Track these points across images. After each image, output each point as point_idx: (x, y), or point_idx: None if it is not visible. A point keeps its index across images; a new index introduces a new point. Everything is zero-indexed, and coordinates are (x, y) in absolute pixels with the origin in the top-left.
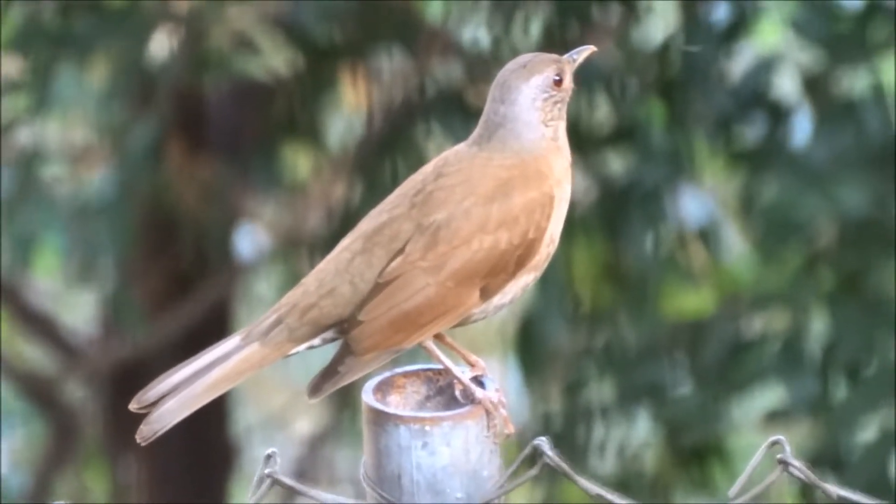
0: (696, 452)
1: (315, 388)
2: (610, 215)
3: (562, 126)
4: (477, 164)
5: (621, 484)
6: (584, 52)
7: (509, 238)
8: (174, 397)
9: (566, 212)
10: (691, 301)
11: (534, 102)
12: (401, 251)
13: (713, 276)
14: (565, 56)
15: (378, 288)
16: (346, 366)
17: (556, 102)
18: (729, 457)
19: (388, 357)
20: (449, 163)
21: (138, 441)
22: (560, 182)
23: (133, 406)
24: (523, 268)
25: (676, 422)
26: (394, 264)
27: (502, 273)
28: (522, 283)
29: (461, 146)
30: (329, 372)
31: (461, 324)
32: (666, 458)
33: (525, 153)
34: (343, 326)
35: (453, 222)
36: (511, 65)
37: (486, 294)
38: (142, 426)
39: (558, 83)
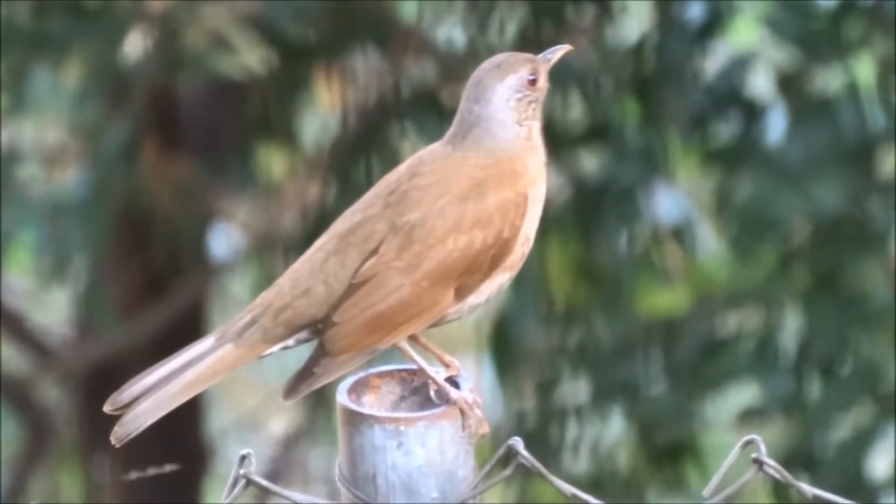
0: (670, 451)
1: (290, 389)
2: (584, 214)
3: (536, 125)
4: (451, 164)
5: (595, 483)
6: (558, 52)
7: (484, 237)
8: (148, 398)
9: (541, 211)
10: (665, 299)
11: (508, 102)
12: (375, 251)
13: (687, 275)
14: (540, 56)
15: (352, 289)
16: (322, 367)
17: (530, 102)
18: (702, 456)
19: (364, 358)
20: (423, 162)
21: (113, 442)
22: (535, 181)
23: (107, 408)
24: (498, 267)
25: (650, 420)
26: (368, 265)
27: (477, 273)
28: (497, 283)
29: (436, 146)
30: (304, 373)
31: (436, 324)
32: (639, 457)
33: (499, 152)
34: (317, 327)
35: (428, 221)
36: (486, 64)
37: (460, 294)
38: (116, 427)
39: (533, 83)
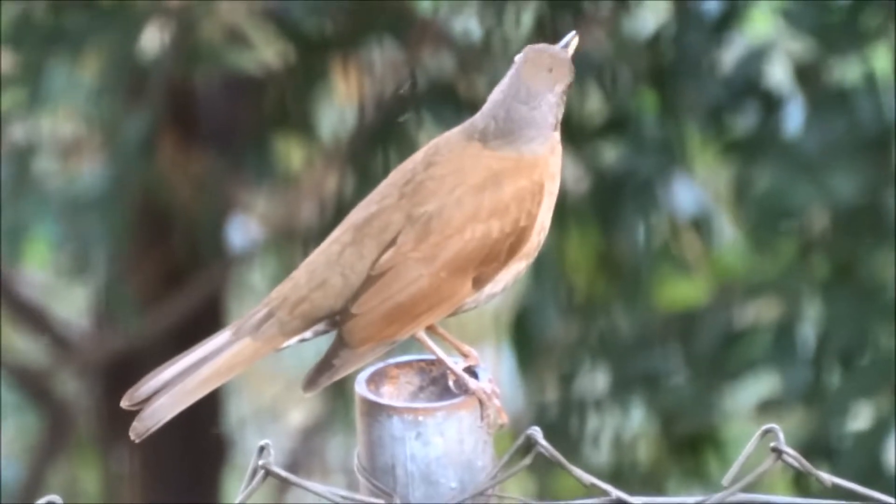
0: (691, 442)
1: (310, 381)
2: (603, 206)
3: (559, 129)
4: (468, 154)
5: (615, 474)
6: (572, 42)
7: (501, 226)
8: (166, 393)
9: (554, 203)
10: (685, 290)
11: (552, 109)
12: (392, 242)
13: (706, 266)
14: (559, 47)
15: (371, 280)
16: (341, 359)
17: (562, 106)
18: (723, 446)
19: (383, 349)
20: (439, 151)
21: (132, 437)
22: (553, 176)
23: (124, 403)
24: (515, 256)
25: (670, 411)
26: (386, 256)
27: (495, 262)
28: (514, 272)
29: (453, 133)
30: (324, 365)
31: (454, 313)
32: (660, 448)
33: (527, 151)
34: (335, 319)
35: (445, 212)
36: (532, 59)
37: (478, 283)
38: (135, 423)
39: (571, 85)
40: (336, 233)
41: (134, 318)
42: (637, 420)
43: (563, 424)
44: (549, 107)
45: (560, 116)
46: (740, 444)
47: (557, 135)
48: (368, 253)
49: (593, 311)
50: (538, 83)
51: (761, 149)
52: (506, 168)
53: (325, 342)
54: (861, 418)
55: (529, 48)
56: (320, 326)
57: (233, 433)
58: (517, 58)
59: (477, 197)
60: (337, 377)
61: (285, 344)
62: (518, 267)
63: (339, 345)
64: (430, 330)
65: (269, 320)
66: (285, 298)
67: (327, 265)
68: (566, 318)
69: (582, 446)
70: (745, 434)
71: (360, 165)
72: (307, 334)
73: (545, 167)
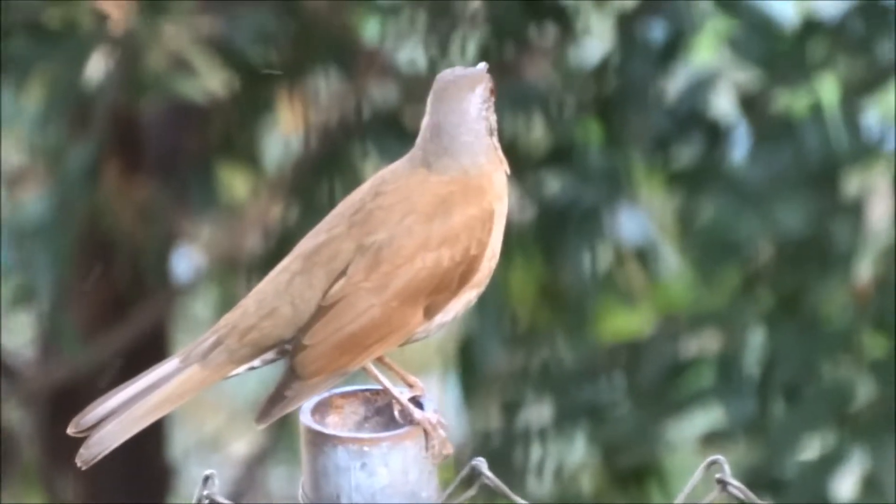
0: (634, 473)
1: (263, 413)
2: (547, 235)
3: (496, 136)
4: (415, 182)
5: None
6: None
7: (451, 255)
8: (113, 420)
9: (504, 227)
10: (628, 321)
11: (480, 112)
12: (343, 273)
13: (650, 297)
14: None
15: (322, 311)
16: (294, 390)
17: (491, 111)
18: (667, 477)
19: (335, 380)
20: (386, 181)
21: (78, 465)
22: (500, 197)
23: (71, 430)
24: (466, 284)
25: (614, 442)
26: (337, 286)
27: (446, 291)
28: (465, 301)
29: (398, 164)
30: (276, 397)
31: (404, 343)
32: (603, 479)
33: (472, 167)
34: (284, 348)
35: (395, 241)
36: (447, 76)
37: (429, 312)
38: (81, 450)
39: (493, 91)
40: (285, 262)
41: (77, 346)
42: (580, 451)
43: (507, 454)
44: (477, 109)
45: (493, 122)
46: (684, 475)
47: (496, 141)
48: (318, 282)
49: (537, 340)
50: (456, 90)
51: (706, 179)
52: (454, 193)
53: (272, 372)
54: (807, 450)
55: (439, 75)
56: (269, 355)
57: (177, 462)
58: (433, 86)
59: (427, 226)
60: (289, 409)
61: (234, 372)
62: (469, 296)
63: (291, 376)
64: (377, 359)
65: (218, 348)
66: (234, 326)
67: (276, 294)
68: (510, 347)
69: (525, 476)
70: (689, 465)
71: (304, 195)
72: (256, 363)
73: (491, 188)
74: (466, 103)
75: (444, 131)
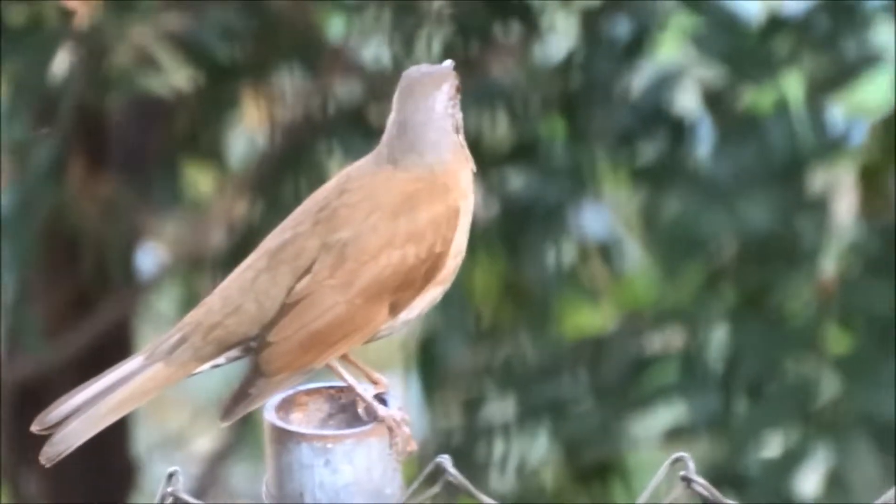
0: (597, 470)
1: (227, 411)
2: (511, 232)
3: (462, 133)
4: (380, 179)
5: (521, 501)
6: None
7: (416, 252)
8: (78, 418)
9: (470, 223)
10: (592, 318)
11: (446, 109)
12: (307, 270)
13: (614, 293)
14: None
15: (286, 308)
16: (258, 388)
17: (456, 108)
18: (629, 474)
19: (300, 377)
20: (351, 178)
21: (43, 462)
22: (466, 194)
23: (35, 427)
24: (431, 282)
25: (576, 439)
26: (301, 284)
27: (410, 288)
28: (430, 298)
29: (363, 161)
30: (240, 395)
31: (369, 340)
32: (566, 476)
33: (438, 165)
34: (249, 345)
35: (360, 239)
36: (413, 74)
37: (394, 310)
38: (46, 447)
39: (459, 89)
40: (250, 259)
41: (39, 343)
42: (543, 447)
43: (470, 451)
44: (443, 106)
45: (459, 119)
46: (648, 472)
47: (462, 139)
48: (283, 279)
49: (500, 337)
50: (422, 87)
51: (670, 175)
52: (420, 191)
53: (236, 369)
54: (770, 447)
55: (405, 72)
56: (234, 352)
57: (140, 459)
58: (399, 84)
59: (392, 223)
60: (254, 406)
61: (198, 369)
62: (434, 293)
63: (256, 374)
64: (342, 357)
65: (183, 345)
66: (199, 324)
67: (241, 291)
68: (473, 344)
69: (488, 473)
70: (652, 462)
71: (269, 192)
72: (220, 360)
73: (457, 185)
74: (433, 101)
75: (410, 129)
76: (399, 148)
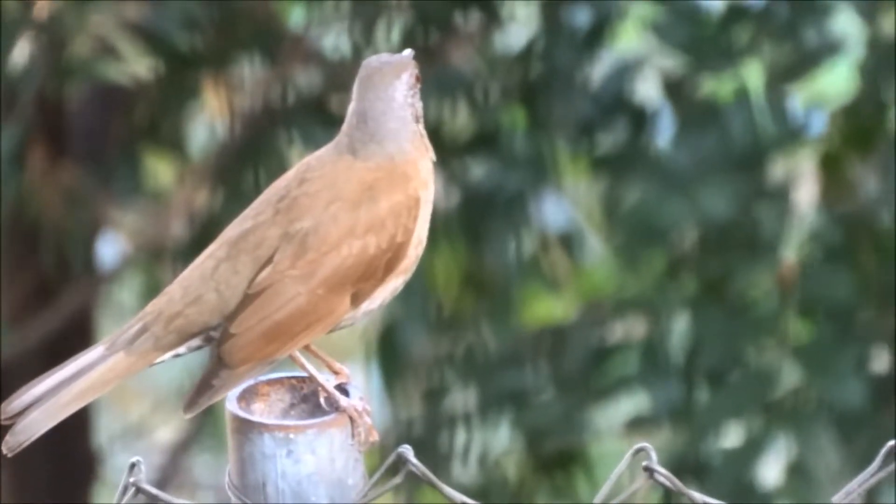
0: (559, 460)
1: (190, 402)
2: (472, 221)
3: (422, 122)
4: (340, 169)
5: (483, 491)
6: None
7: (378, 242)
8: (39, 408)
9: (430, 213)
10: (553, 307)
11: (406, 98)
12: (269, 260)
13: (575, 283)
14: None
15: (248, 299)
16: (221, 379)
17: (416, 98)
18: (591, 464)
19: (263, 368)
20: (311, 168)
21: (4, 452)
22: (426, 184)
23: None
24: (392, 272)
25: (538, 429)
26: (263, 275)
27: (372, 278)
28: (392, 288)
29: (323, 151)
30: (203, 386)
31: (331, 331)
32: (527, 466)
33: (398, 154)
34: (209, 334)
35: (321, 228)
36: (373, 63)
37: (356, 300)
38: (7, 437)
39: (418, 78)
40: (210, 248)
41: (2, 332)
42: (505, 437)
43: (431, 441)
44: (402, 96)
45: (419, 109)
46: (609, 461)
47: (422, 128)
48: (243, 268)
49: (461, 327)
50: (381, 76)
51: (631, 164)
52: (380, 180)
53: (197, 358)
54: (732, 436)
55: (365, 62)
56: (195, 342)
57: (102, 449)
58: (359, 73)
59: (353, 213)
60: (217, 398)
61: (160, 359)
62: (395, 283)
63: (219, 365)
64: (303, 347)
65: (144, 335)
66: (160, 313)
67: (202, 280)
68: (434, 334)
69: (451, 463)
70: (613, 452)
71: (229, 181)
72: (182, 349)
73: (417, 175)
74: (392, 90)
75: (370, 118)
76: (359, 138)
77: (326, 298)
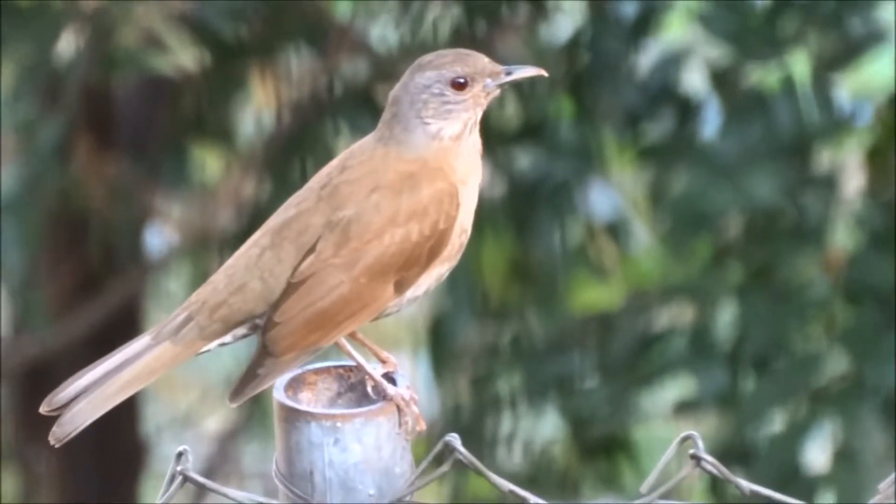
0: (604, 446)
1: (236, 392)
2: (519, 211)
3: (452, 128)
4: (378, 158)
5: (530, 479)
6: (524, 72)
7: (420, 229)
8: (86, 398)
9: (475, 205)
10: (600, 295)
11: (419, 96)
12: (312, 248)
13: (621, 271)
14: (503, 67)
15: (292, 288)
16: (266, 368)
17: (446, 103)
18: (637, 450)
19: (307, 357)
20: (353, 156)
21: (52, 442)
22: (465, 180)
23: (44, 408)
24: (436, 259)
25: (584, 416)
26: (306, 263)
27: (415, 266)
28: (436, 275)
29: (366, 140)
30: (249, 375)
31: (376, 318)
32: (574, 452)
33: (421, 149)
34: (255, 323)
35: (363, 217)
36: (426, 57)
37: (400, 288)
38: (55, 428)
39: (459, 86)
40: (255, 237)
41: (47, 323)
42: (551, 424)
43: (478, 429)
44: (415, 94)
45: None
46: (655, 447)
47: (444, 133)
48: (287, 256)
49: (508, 315)
50: (410, 72)
51: (677, 154)
52: (416, 170)
53: (244, 347)
54: (777, 422)
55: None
56: (240, 330)
57: (150, 439)
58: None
59: (394, 200)
60: (262, 387)
61: (205, 348)
62: (440, 270)
63: (263, 354)
64: (350, 336)
65: (189, 324)
66: (205, 302)
67: (246, 269)
68: (481, 322)
69: (496, 450)
70: (659, 439)
71: (276, 172)
72: (227, 338)
73: (452, 170)
74: (409, 85)
75: (389, 110)
76: (386, 128)
77: (369, 286)
